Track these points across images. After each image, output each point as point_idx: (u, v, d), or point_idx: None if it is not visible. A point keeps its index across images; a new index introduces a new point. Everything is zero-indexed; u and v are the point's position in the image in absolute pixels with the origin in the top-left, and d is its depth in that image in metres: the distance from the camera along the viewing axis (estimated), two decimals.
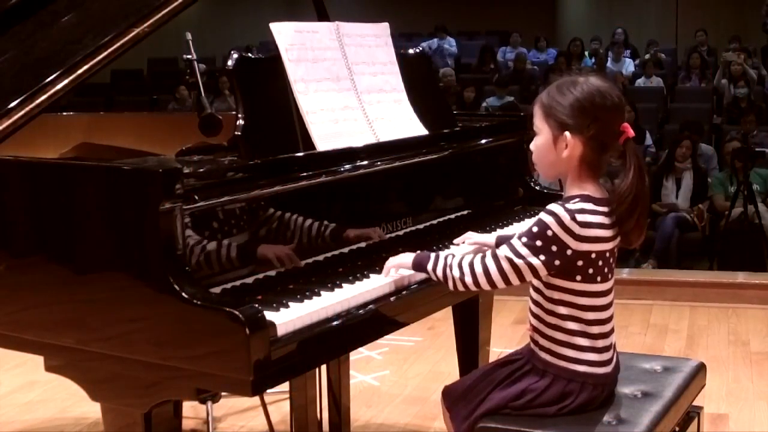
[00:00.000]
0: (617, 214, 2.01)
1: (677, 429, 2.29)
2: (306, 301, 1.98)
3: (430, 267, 2.12)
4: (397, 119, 2.59)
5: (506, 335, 4.46)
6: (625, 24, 13.40)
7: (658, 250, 6.80)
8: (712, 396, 3.78)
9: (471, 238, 2.46)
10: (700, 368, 2.43)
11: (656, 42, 12.38)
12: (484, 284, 2.05)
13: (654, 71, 10.51)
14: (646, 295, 5.35)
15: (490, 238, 2.46)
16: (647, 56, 11.35)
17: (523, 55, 11.91)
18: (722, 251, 6.67)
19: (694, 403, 2.40)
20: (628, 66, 11.37)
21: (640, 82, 10.55)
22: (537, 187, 3.00)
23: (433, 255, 2.15)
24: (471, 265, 2.06)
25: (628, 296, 5.26)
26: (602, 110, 2.01)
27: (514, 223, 2.77)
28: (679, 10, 14.34)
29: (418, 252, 2.18)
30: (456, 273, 2.08)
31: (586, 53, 11.94)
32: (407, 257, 2.17)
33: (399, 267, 2.17)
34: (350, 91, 2.48)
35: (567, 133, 2.01)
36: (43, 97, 2.25)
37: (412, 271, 2.17)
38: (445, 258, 2.12)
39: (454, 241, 2.46)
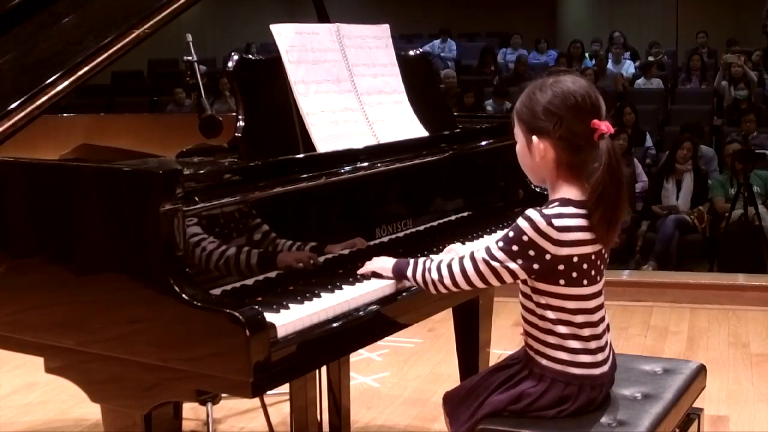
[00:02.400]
0: (587, 207, 2.00)
1: (677, 431, 2.29)
2: (306, 302, 1.98)
3: (409, 273, 2.13)
4: (398, 121, 2.59)
5: (506, 337, 4.47)
6: (625, 26, 13.42)
7: (659, 251, 6.81)
8: (712, 398, 3.78)
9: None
10: (701, 370, 2.43)
11: (657, 44, 12.38)
12: (463, 284, 2.06)
13: (654, 73, 10.51)
14: (647, 296, 5.36)
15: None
16: (650, 58, 11.36)
17: (524, 57, 11.91)
18: (722, 253, 6.67)
19: (695, 405, 2.40)
20: (629, 67, 11.37)
21: (641, 83, 10.56)
22: (537, 189, 3.00)
23: (411, 261, 2.16)
24: (449, 267, 2.07)
25: (628, 298, 5.27)
26: (565, 111, 2.00)
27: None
28: (680, 11, 14.35)
29: (397, 260, 2.19)
30: (434, 275, 2.09)
31: (587, 55, 11.95)
32: (387, 263, 2.18)
33: (379, 273, 2.17)
34: (350, 93, 2.48)
35: (534, 138, 2.03)
36: (44, 99, 2.25)
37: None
38: (423, 263, 2.13)
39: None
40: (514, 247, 1.98)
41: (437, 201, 2.68)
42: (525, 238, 1.97)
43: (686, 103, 9.82)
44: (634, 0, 15.16)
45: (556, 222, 1.96)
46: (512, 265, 1.99)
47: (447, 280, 2.07)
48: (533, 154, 2.04)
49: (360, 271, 2.19)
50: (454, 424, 2.19)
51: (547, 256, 1.97)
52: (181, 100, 9.64)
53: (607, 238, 2.02)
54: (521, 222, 1.98)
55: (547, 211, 1.98)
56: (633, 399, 2.20)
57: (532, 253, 1.97)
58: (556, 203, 2.01)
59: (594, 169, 2.01)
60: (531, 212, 1.98)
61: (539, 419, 2.06)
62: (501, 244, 2.00)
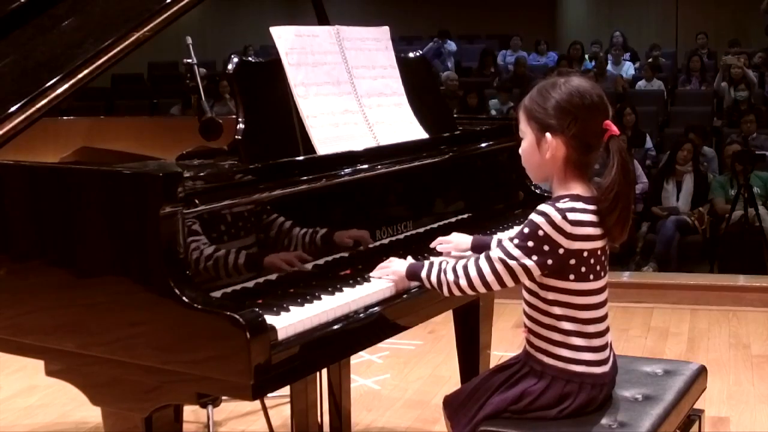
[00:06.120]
0: (600, 210, 2.02)
1: None
2: (307, 304, 1.98)
3: (424, 274, 2.13)
4: (398, 123, 2.59)
5: (507, 339, 4.47)
6: (625, 27, 13.41)
7: (659, 253, 6.81)
8: (713, 399, 3.78)
9: (450, 241, 2.44)
10: (701, 371, 2.43)
11: (657, 45, 12.38)
12: (479, 287, 2.05)
13: (654, 74, 10.51)
14: (647, 298, 5.36)
15: (467, 239, 2.44)
16: (649, 60, 11.36)
17: (524, 58, 11.91)
18: (723, 254, 6.67)
19: (695, 407, 2.40)
20: (628, 69, 11.37)
21: (641, 85, 10.56)
22: (537, 191, 3.01)
23: (426, 262, 2.16)
24: (465, 268, 2.07)
25: (628, 299, 5.27)
26: (581, 110, 2.01)
27: (515, 227, 2.76)
28: (679, 13, 14.35)
29: (411, 261, 2.19)
30: (450, 277, 2.08)
31: (586, 56, 11.95)
32: (401, 266, 2.18)
33: (394, 276, 2.17)
34: (350, 95, 2.48)
35: (548, 135, 2.03)
36: (44, 102, 2.25)
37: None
38: (439, 264, 2.13)
39: (431, 244, 2.43)
40: (530, 243, 1.98)
41: (437, 203, 2.68)
42: (540, 232, 1.97)
43: (686, 105, 9.82)
44: (634, 1, 15.16)
45: (570, 216, 1.98)
46: (528, 262, 1.99)
47: (462, 281, 2.06)
48: (542, 150, 2.04)
49: (373, 275, 2.19)
50: (455, 427, 2.19)
51: (561, 251, 1.98)
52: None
53: (620, 237, 2.05)
54: (536, 217, 1.99)
55: (560, 205, 1.99)
56: (633, 400, 2.20)
57: (546, 248, 1.98)
58: (567, 198, 2.01)
59: (602, 169, 2.02)
60: (545, 207, 1.99)
61: (539, 420, 2.06)
62: (516, 241, 2.01)
